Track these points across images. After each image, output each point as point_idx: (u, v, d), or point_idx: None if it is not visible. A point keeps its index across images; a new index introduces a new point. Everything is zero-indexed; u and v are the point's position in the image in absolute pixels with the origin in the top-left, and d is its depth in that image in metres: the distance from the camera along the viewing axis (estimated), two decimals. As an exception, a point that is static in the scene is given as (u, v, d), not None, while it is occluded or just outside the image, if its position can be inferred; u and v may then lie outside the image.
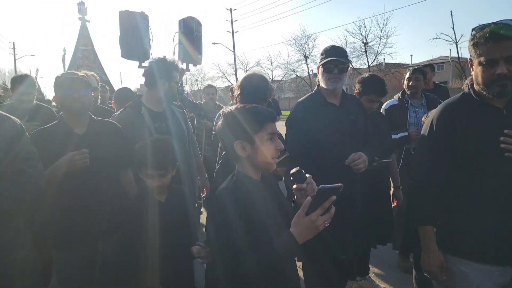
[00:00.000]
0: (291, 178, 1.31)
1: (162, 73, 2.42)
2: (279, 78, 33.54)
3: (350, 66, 2.28)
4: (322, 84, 2.20)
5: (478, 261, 1.52)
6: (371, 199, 2.54)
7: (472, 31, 1.54)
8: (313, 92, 2.34)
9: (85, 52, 7.41)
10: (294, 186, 1.31)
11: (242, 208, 1.20)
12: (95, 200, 1.84)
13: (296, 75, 30.98)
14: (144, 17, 4.41)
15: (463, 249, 1.57)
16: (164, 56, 2.59)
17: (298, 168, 1.30)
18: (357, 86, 2.79)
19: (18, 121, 1.50)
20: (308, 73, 29.18)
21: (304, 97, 2.39)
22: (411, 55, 48.96)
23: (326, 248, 1.81)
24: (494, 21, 1.49)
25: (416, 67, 3.54)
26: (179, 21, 4.55)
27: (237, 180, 1.31)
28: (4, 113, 1.45)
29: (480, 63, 1.47)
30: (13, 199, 1.30)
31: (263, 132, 1.28)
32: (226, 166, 2.02)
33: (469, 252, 1.55)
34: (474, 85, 1.56)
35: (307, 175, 1.31)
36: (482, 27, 1.49)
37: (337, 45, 2.32)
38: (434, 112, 1.68)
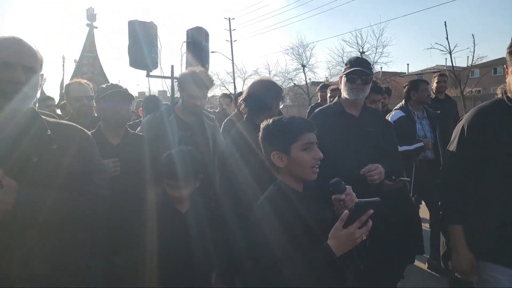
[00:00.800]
0: (330, 188, 1.31)
1: (181, 83, 2.43)
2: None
3: (374, 78, 2.28)
4: (344, 94, 2.20)
5: (508, 266, 1.50)
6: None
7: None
8: (333, 102, 2.35)
9: (90, 59, 7.38)
10: (333, 196, 1.32)
11: (282, 218, 1.21)
12: (122, 209, 1.79)
13: (294, 84, 31.14)
14: (152, 27, 4.46)
15: (497, 254, 1.54)
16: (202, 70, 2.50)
17: (338, 178, 1.31)
18: None
19: (89, 133, 1.49)
20: (306, 81, 29.29)
21: (324, 106, 2.42)
22: (408, 64, 49.31)
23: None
24: None
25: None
26: (187, 31, 4.59)
27: (278, 190, 1.32)
28: (76, 125, 1.45)
29: None
30: (87, 210, 1.31)
31: (298, 142, 1.29)
32: (228, 184, 2.03)
33: (501, 256, 1.52)
34: (508, 93, 1.57)
35: (347, 186, 1.31)
36: None
37: (361, 57, 2.38)
38: (466, 116, 1.68)
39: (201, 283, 1.80)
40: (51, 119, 1.38)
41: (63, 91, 3.04)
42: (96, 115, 2.59)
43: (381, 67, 26.23)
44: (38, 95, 1.39)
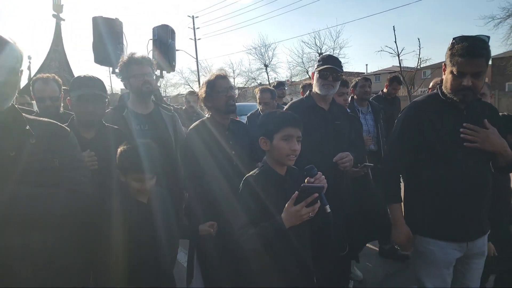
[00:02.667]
0: (305, 173, 1.50)
1: (122, 72, 2.28)
2: (241, 85, 33.98)
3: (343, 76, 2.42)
4: (316, 89, 2.30)
5: (441, 239, 1.69)
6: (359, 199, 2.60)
7: (452, 40, 1.65)
8: (305, 96, 2.44)
9: (56, 53, 7.03)
10: (306, 179, 1.49)
11: (256, 192, 1.47)
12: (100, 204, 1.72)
13: (259, 83, 31.24)
14: (117, 24, 4.38)
15: (429, 229, 1.72)
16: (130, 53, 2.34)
17: (311, 165, 1.50)
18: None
19: (68, 129, 1.45)
20: (268, 81, 29.39)
21: (296, 99, 2.52)
22: (366, 65, 51.23)
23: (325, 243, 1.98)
24: (473, 34, 1.64)
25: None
26: (153, 29, 4.54)
27: (263, 170, 1.58)
28: (56, 122, 1.42)
29: (451, 72, 1.62)
30: (64, 206, 1.29)
31: (280, 133, 1.52)
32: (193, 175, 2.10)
33: (434, 231, 1.71)
34: (443, 88, 1.71)
35: (319, 172, 1.50)
36: (463, 39, 1.60)
37: (333, 55, 2.47)
38: (404, 110, 1.85)
39: (168, 271, 1.84)
40: (31, 116, 1.36)
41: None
42: (62, 111, 2.51)
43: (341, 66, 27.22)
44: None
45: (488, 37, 1.65)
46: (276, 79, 29.20)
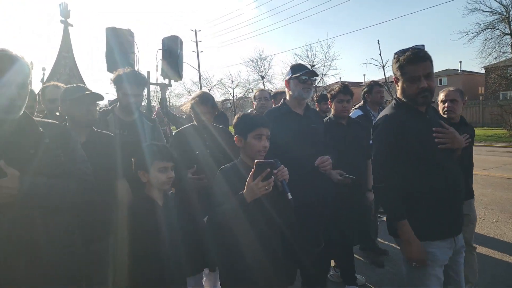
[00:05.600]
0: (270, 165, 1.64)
1: (116, 84, 2.43)
2: (240, 95, 34.39)
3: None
4: (296, 94, 2.36)
5: (437, 239, 1.71)
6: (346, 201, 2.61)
7: (395, 54, 1.80)
8: (280, 104, 2.51)
9: (66, 59, 7.05)
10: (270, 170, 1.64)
11: (230, 180, 1.67)
12: (92, 208, 1.79)
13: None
14: (130, 34, 4.47)
15: (423, 233, 1.70)
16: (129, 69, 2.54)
17: (276, 159, 1.64)
18: (328, 95, 3.01)
19: (70, 129, 1.63)
20: (265, 91, 29.92)
21: (272, 107, 2.59)
22: (364, 75, 51.75)
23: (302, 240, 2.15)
24: (411, 46, 1.79)
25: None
26: (163, 39, 4.64)
27: (236, 163, 1.77)
28: (59, 123, 1.61)
29: (406, 80, 1.74)
30: (75, 193, 1.45)
31: (253, 132, 1.71)
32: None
33: (432, 233, 1.71)
34: (401, 97, 1.80)
35: (281, 165, 1.65)
36: (403, 51, 1.76)
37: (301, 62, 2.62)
38: (380, 126, 1.82)
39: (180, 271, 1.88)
40: (38, 119, 1.54)
41: (39, 92, 2.92)
42: (58, 114, 2.65)
43: (340, 78, 27.79)
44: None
45: (423, 45, 1.81)
46: (274, 90, 29.87)
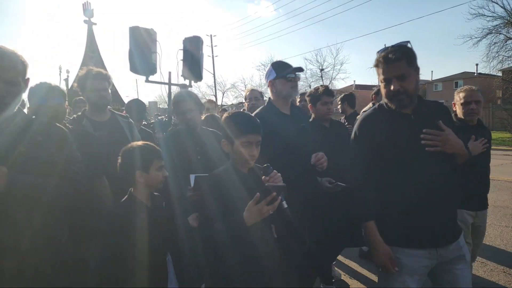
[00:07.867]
0: (262, 172, 1.55)
1: (80, 85, 2.39)
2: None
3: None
4: (284, 94, 2.26)
5: (406, 246, 1.60)
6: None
7: (377, 52, 1.68)
8: (266, 104, 2.39)
9: (93, 60, 7.07)
10: (263, 178, 1.55)
11: (220, 188, 1.50)
12: (72, 206, 1.72)
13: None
14: (152, 33, 4.43)
15: (392, 237, 1.62)
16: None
17: (267, 164, 1.53)
18: (307, 99, 2.91)
19: (66, 129, 1.62)
20: (276, 95, 30.45)
21: (259, 109, 2.41)
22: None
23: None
24: (393, 44, 1.64)
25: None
26: (184, 40, 4.60)
27: (226, 168, 1.59)
28: (55, 123, 1.60)
29: (381, 81, 1.64)
30: (67, 194, 1.44)
31: (241, 139, 1.52)
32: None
33: (397, 239, 1.62)
34: (385, 99, 1.71)
35: (274, 171, 1.55)
36: (382, 50, 1.63)
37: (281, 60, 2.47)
38: (355, 127, 1.77)
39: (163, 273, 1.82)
40: (39, 120, 1.56)
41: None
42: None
43: (354, 81, 27.71)
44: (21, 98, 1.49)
45: (408, 41, 1.66)
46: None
